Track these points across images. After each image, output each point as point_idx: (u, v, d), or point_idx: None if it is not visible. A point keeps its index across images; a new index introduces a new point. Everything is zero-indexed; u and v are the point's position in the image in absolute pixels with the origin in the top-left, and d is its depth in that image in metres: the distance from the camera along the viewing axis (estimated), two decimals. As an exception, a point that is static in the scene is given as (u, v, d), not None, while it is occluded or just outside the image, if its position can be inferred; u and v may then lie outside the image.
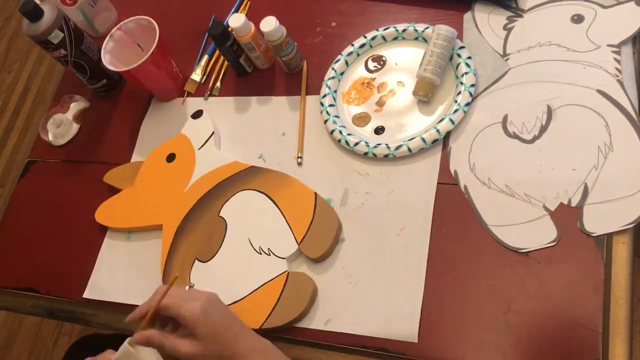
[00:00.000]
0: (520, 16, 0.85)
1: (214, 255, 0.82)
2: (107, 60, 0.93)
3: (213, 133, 0.91)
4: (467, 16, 0.88)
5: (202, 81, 1.01)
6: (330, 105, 0.87)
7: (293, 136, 0.89)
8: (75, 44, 0.95)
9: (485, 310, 0.68)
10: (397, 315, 0.71)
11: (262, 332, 0.73)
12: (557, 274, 0.67)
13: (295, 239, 0.78)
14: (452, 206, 0.75)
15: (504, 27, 0.85)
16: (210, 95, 0.99)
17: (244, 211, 0.83)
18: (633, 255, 0.67)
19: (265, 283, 0.77)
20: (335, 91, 0.89)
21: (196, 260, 0.82)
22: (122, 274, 0.88)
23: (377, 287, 0.73)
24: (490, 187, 0.75)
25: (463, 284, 0.70)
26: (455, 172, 0.77)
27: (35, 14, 0.90)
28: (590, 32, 0.80)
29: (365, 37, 0.90)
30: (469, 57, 0.82)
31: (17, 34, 2.47)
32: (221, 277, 0.80)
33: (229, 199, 0.85)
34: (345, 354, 0.72)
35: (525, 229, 0.71)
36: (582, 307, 0.65)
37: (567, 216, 0.70)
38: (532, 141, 0.75)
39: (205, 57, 1.02)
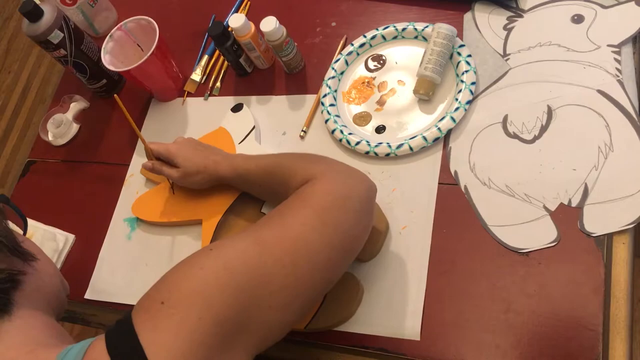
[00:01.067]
0: (521, 16, 0.85)
1: None
2: (107, 60, 0.93)
3: (254, 127, 0.89)
4: (467, 16, 0.88)
5: (202, 81, 1.01)
6: (331, 105, 0.87)
7: (294, 135, 0.89)
8: (75, 44, 0.95)
9: (485, 310, 0.68)
10: (399, 313, 0.71)
11: (307, 333, 0.73)
12: (557, 274, 0.67)
13: None
14: (452, 206, 0.75)
15: (504, 27, 0.85)
16: (210, 95, 0.98)
17: None
18: (633, 256, 0.67)
19: None
20: (336, 91, 0.89)
21: None
22: (122, 275, 0.88)
23: (379, 285, 0.73)
24: (491, 187, 0.75)
25: (463, 284, 0.70)
26: (456, 172, 0.77)
27: (35, 14, 0.90)
28: (591, 32, 0.79)
29: (364, 36, 0.90)
30: (469, 55, 0.82)
31: (17, 34, 2.47)
32: None
33: None
34: (345, 354, 0.72)
35: (526, 229, 0.71)
36: (582, 307, 0.65)
37: (567, 216, 0.70)
38: (532, 141, 0.75)
39: (205, 57, 1.02)
